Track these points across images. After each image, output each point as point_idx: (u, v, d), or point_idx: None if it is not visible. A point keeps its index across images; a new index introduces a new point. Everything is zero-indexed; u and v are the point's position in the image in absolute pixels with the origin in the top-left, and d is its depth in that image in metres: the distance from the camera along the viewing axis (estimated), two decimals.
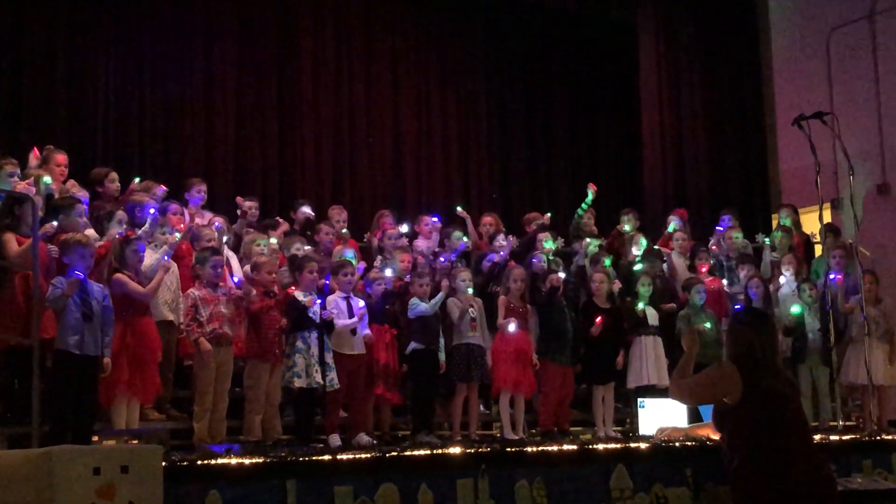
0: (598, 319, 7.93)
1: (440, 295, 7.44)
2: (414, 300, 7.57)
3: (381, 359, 7.45)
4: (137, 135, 10.21)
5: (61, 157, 7.44)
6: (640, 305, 8.19)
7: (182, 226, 7.43)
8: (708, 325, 8.17)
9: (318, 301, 7.03)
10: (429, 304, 7.43)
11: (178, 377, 7.35)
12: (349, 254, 8.01)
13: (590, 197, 9.35)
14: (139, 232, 6.97)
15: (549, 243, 8.84)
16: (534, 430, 8.00)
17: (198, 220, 8.09)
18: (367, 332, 7.27)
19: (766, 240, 9.43)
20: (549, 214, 9.41)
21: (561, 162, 12.73)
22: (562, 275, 8.03)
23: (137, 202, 7.40)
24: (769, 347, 4.89)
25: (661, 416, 7.23)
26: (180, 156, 10.42)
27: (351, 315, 7.27)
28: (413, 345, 7.51)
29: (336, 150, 11.46)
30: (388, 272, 7.67)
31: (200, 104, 10.67)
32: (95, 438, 5.55)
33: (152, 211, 7.12)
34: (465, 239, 8.60)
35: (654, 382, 8.06)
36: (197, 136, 10.61)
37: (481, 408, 8.21)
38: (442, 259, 8.23)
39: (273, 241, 7.85)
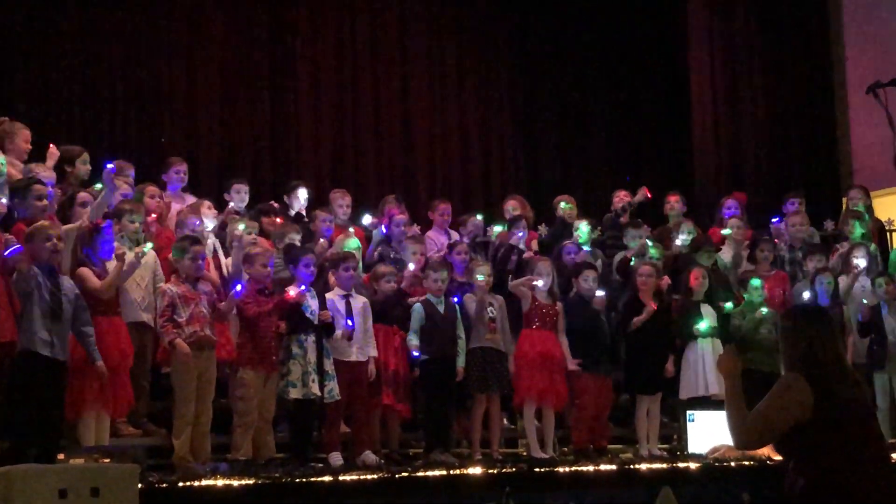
0: (653, 306, 7.91)
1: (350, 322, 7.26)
2: (418, 308, 7.50)
3: (390, 364, 7.46)
4: (109, 109, 10.27)
5: (24, 133, 7.43)
6: (703, 326, 8.15)
7: (152, 217, 7.44)
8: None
9: (304, 289, 7.01)
10: (415, 341, 7.44)
11: (154, 387, 7.32)
12: (352, 244, 8.00)
13: (638, 197, 9.39)
14: (97, 201, 6.87)
15: (583, 233, 8.81)
16: (566, 448, 8.01)
17: (175, 206, 8.09)
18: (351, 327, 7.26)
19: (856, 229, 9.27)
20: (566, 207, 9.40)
21: (597, 140, 12.66)
22: (601, 293, 8.02)
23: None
24: (831, 347, 4.64)
25: (713, 431, 7.21)
26: (157, 134, 10.46)
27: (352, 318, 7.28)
28: (422, 354, 7.53)
29: (337, 125, 11.46)
30: (411, 266, 7.73)
31: (181, 72, 10.71)
32: (61, 457, 5.55)
33: (109, 166, 6.96)
34: (520, 233, 8.50)
35: (713, 392, 8.04)
36: (176, 109, 10.64)
37: (504, 422, 8.21)
38: (458, 265, 8.09)
39: (241, 227, 7.72)
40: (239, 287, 6.86)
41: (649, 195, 9.45)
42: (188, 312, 6.68)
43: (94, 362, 6.15)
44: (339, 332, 7.19)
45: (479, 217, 8.99)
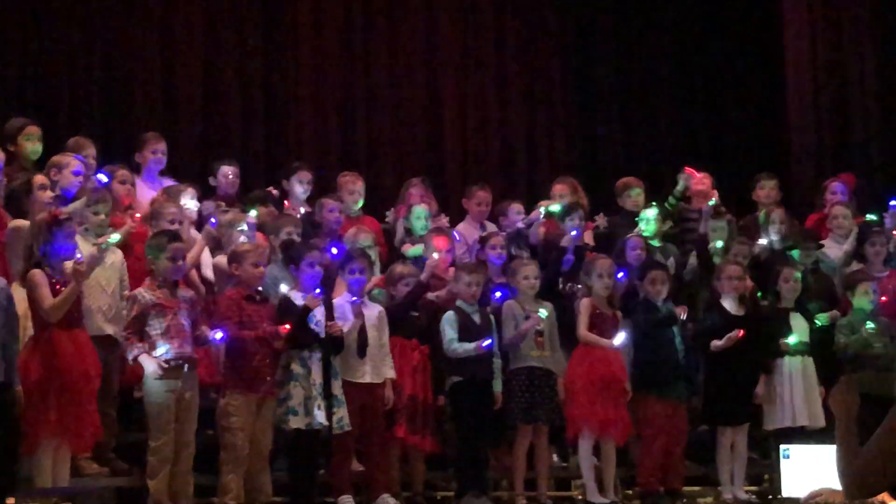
0: (739, 333, 7.90)
1: (488, 341, 7.43)
2: (449, 319, 7.54)
3: (407, 388, 7.48)
4: (66, 72, 10.29)
5: None
6: (792, 341, 8.16)
7: (136, 216, 7.51)
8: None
9: (319, 292, 7.06)
10: (470, 345, 7.47)
11: (124, 415, 7.40)
12: (365, 240, 8.04)
13: (681, 185, 9.42)
14: (68, 208, 6.98)
15: (650, 224, 8.82)
16: (630, 491, 8.02)
17: (151, 193, 8.12)
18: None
19: None
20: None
21: (667, 113, 12.58)
22: (683, 313, 8.06)
23: (57, 163, 7.42)
24: None
25: (813, 470, 7.15)
26: (128, 106, 10.51)
27: (362, 346, 7.35)
28: (453, 378, 7.57)
29: (346, 93, 11.46)
30: (435, 255, 7.75)
31: (154, 26, 10.75)
32: (11, 501, 5.57)
33: (81, 178, 7.14)
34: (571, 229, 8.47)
35: (801, 423, 8.07)
36: (148, 71, 10.67)
37: (554, 458, 8.24)
38: (494, 260, 8.16)
39: (253, 213, 7.87)
40: (220, 335, 6.88)
41: (695, 174, 9.45)
42: (163, 325, 6.70)
43: (11, 386, 6.13)
44: (348, 324, 7.21)
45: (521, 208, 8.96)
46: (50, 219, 6.47)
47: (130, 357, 6.66)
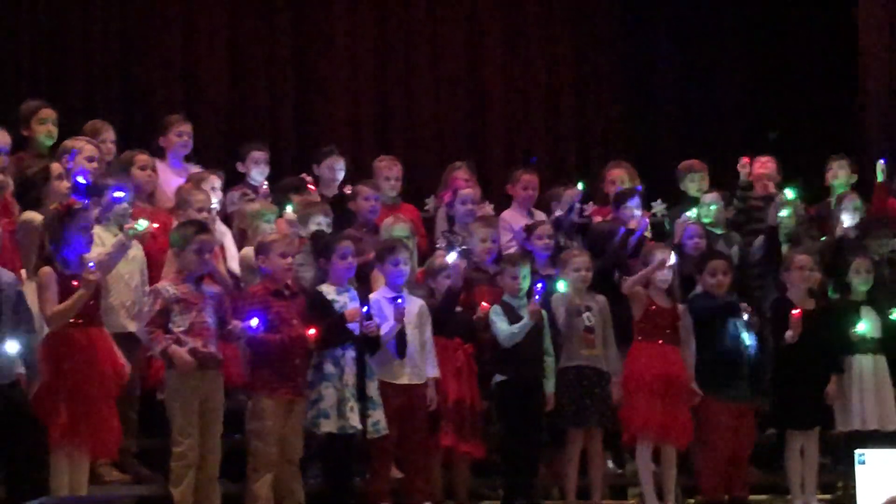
0: (796, 313, 7.88)
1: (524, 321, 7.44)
2: (496, 311, 7.57)
3: (451, 392, 7.48)
4: (81, 50, 10.32)
5: None
6: (862, 329, 8.12)
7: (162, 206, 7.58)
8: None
9: (365, 308, 7.08)
10: (518, 325, 7.47)
11: (146, 418, 7.39)
12: (402, 230, 8.03)
13: (742, 179, 9.38)
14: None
15: (711, 210, 8.82)
16: (692, 500, 8.03)
17: (176, 180, 8.14)
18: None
19: None
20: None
21: (730, 90, 12.55)
22: (748, 317, 8.01)
23: (69, 149, 7.44)
24: None
25: (891, 477, 7.18)
26: (148, 87, 10.51)
27: (401, 344, 7.34)
28: (498, 376, 7.58)
29: (382, 70, 11.46)
30: (452, 257, 7.66)
31: (176, 10, 10.80)
32: None
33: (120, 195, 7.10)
34: (636, 213, 8.50)
35: (872, 426, 8.06)
36: (170, 50, 10.69)
37: (609, 464, 8.25)
38: (540, 253, 8.17)
39: (290, 209, 7.92)
40: (255, 321, 6.86)
41: (746, 160, 9.44)
42: (187, 321, 6.71)
43: (31, 380, 6.17)
44: (386, 327, 7.23)
45: (581, 187, 8.99)
46: (63, 210, 6.48)
47: (158, 350, 6.68)
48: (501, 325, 7.53)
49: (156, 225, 7.18)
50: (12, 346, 6.10)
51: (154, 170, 7.90)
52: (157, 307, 6.72)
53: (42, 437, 6.19)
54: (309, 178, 8.71)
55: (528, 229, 8.39)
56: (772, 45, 12.54)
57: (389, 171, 8.85)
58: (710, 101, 12.44)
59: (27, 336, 6.17)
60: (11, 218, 6.89)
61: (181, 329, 6.70)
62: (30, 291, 6.40)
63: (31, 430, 6.14)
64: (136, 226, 6.78)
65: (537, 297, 7.58)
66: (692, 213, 8.73)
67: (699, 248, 8.36)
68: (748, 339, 7.98)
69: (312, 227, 7.79)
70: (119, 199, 7.08)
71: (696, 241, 8.42)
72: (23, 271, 6.65)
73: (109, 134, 8.12)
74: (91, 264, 6.37)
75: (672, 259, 7.80)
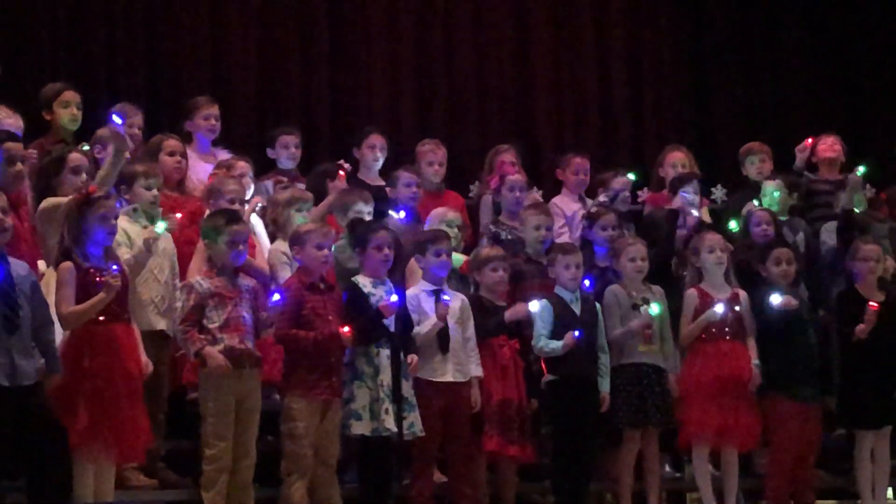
0: (874, 305, 7.84)
1: (576, 333, 7.38)
2: (542, 309, 7.50)
3: (496, 392, 7.45)
4: (105, 29, 10.29)
5: None
6: None
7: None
8: None
9: (396, 300, 7.03)
10: (557, 343, 7.44)
11: (175, 420, 7.39)
12: (455, 220, 8.00)
13: (799, 162, 9.35)
14: (102, 171, 6.87)
15: (773, 197, 8.72)
16: None
17: (204, 166, 8.15)
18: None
19: None
20: None
21: (794, 72, 12.36)
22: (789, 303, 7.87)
23: (101, 139, 7.42)
24: None
25: None
26: (175, 69, 10.49)
27: (444, 340, 7.29)
28: (548, 375, 7.56)
29: (422, 50, 11.41)
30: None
31: None
32: None
33: (117, 120, 7.03)
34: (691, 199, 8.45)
35: None
36: (197, 29, 10.65)
37: (666, 468, 8.23)
38: (603, 246, 8.11)
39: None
40: (277, 296, 6.84)
41: (808, 142, 9.41)
42: (222, 317, 6.68)
43: (51, 372, 6.12)
44: (425, 329, 7.20)
45: (632, 176, 8.98)
46: (81, 199, 6.40)
47: (192, 351, 6.65)
48: (540, 331, 7.51)
49: (178, 215, 7.21)
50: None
51: (184, 156, 7.89)
52: (190, 303, 6.69)
53: (65, 441, 6.11)
54: (346, 165, 8.65)
55: (591, 217, 8.31)
56: (838, 22, 12.46)
57: (433, 156, 8.88)
58: (772, 83, 12.33)
59: (46, 329, 6.14)
60: (26, 207, 6.88)
61: (216, 325, 6.67)
62: (51, 283, 6.36)
63: (54, 435, 6.05)
64: (156, 230, 6.80)
65: (589, 289, 7.61)
66: (755, 202, 8.71)
67: (767, 236, 8.29)
68: (812, 336, 7.96)
69: (352, 216, 7.73)
70: (117, 124, 7.02)
71: (763, 227, 8.35)
72: (41, 263, 6.64)
73: (137, 118, 8.16)
74: (115, 267, 6.32)
75: (721, 308, 7.73)
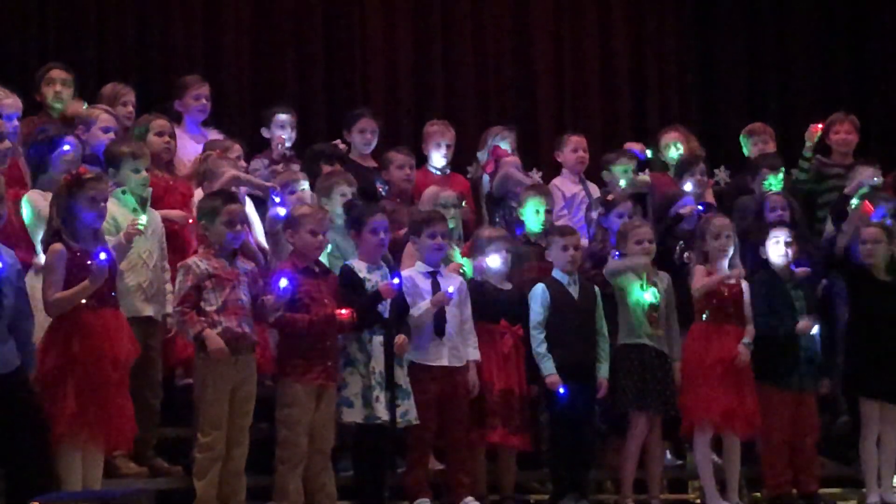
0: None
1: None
2: (538, 293, 7.57)
3: (498, 382, 7.48)
4: (95, 10, 10.25)
5: None
6: None
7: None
8: None
9: (397, 283, 7.09)
10: (423, 303, 7.37)
11: (167, 407, 7.36)
12: (448, 199, 7.99)
13: (808, 145, 9.35)
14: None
15: (774, 178, 8.77)
16: (758, 494, 8.04)
17: (194, 147, 8.19)
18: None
19: None
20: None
21: (800, 52, 12.35)
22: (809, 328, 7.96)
23: (85, 119, 7.44)
24: None
25: None
26: (166, 45, 10.40)
27: (440, 324, 7.34)
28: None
29: (421, 26, 11.38)
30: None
31: None
32: None
33: (113, 134, 7.20)
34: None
35: None
36: (193, 9, 10.63)
37: (668, 456, 8.25)
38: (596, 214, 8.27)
39: (305, 185, 7.84)
40: (285, 282, 6.82)
41: (818, 127, 9.41)
42: (220, 299, 6.72)
43: (28, 370, 6.15)
44: (423, 305, 7.25)
45: (650, 153, 9.05)
46: (71, 180, 6.40)
47: (192, 334, 6.67)
48: (537, 315, 7.56)
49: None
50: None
51: (173, 136, 7.85)
52: (188, 283, 6.70)
53: (45, 430, 6.16)
54: (343, 146, 8.73)
55: (608, 205, 8.31)
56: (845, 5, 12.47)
57: (442, 137, 8.92)
58: (778, 61, 12.35)
59: (25, 321, 6.18)
60: (21, 189, 6.93)
61: (213, 308, 6.68)
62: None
63: (33, 423, 6.11)
64: (138, 223, 6.73)
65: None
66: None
67: (783, 221, 8.30)
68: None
69: (337, 199, 7.71)
70: (65, 152, 6.91)
71: (778, 213, 8.40)
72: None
73: (130, 97, 8.15)
74: (103, 256, 6.30)
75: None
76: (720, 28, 12.23)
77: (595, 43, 11.88)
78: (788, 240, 8.01)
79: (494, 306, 7.60)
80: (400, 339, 7.10)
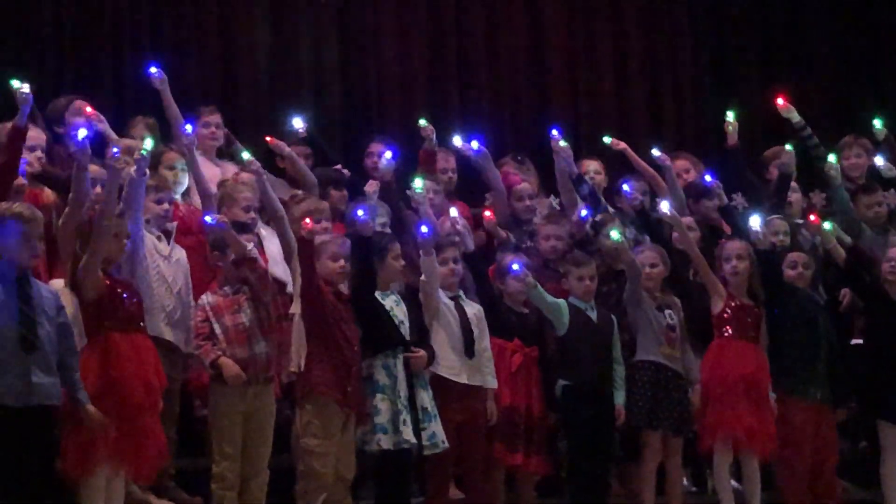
0: None
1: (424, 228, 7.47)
2: (562, 307, 7.72)
3: (504, 397, 7.59)
4: (111, 42, 10.30)
5: None
6: None
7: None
8: None
9: (424, 230, 7.30)
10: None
11: (186, 436, 7.54)
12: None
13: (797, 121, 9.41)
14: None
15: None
16: None
17: (209, 169, 8.29)
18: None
19: None
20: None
21: (822, 67, 12.28)
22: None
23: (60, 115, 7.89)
24: None
25: None
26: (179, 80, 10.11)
27: (468, 342, 7.47)
28: (562, 381, 7.74)
29: (434, 44, 11.35)
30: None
31: None
32: None
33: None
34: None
35: None
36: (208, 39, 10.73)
37: (685, 482, 8.37)
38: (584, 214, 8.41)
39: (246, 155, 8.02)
40: (209, 218, 7.06)
41: (780, 103, 9.51)
42: (223, 325, 6.97)
43: (80, 405, 6.28)
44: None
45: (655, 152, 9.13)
46: (94, 215, 6.63)
47: (207, 362, 6.89)
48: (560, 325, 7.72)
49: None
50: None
51: (184, 170, 7.97)
52: (198, 318, 7.02)
53: (57, 477, 6.37)
54: (345, 172, 8.85)
55: (596, 227, 8.43)
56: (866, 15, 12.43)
57: (445, 163, 8.95)
58: (793, 36, 12.30)
59: (69, 356, 6.35)
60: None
61: (220, 337, 6.94)
62: (66, 303, 6.54)
63: (48, 467, 6.31)
64: (143, 148, 6.94)
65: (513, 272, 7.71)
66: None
67: (783, 245, 8.47)
68: (825, 331, 8.10)
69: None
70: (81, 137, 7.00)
71: (781, 238, 8.50)
72: (58, 281, 6.83)
73: (139, 129, 8.26)
74: (115, 150, 6.70)
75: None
76: (734, 18, 12.25)
77: (609, 49, 11.84)
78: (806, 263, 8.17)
79: (509, 324, 7.75)
80: (418, 352, 7.24)
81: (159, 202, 7.37)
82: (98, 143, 7.54)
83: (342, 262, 7.18)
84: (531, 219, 8.70)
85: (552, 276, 8.08)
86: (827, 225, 8.43)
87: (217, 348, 6.88)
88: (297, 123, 8.85)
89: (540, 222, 8.52)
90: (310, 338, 7.07)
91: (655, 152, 9.13)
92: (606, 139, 9.42)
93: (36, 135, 7.56)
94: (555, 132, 8.82)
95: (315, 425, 6.98)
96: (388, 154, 8.39)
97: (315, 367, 7.03)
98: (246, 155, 7.95)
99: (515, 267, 7.58)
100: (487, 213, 8.25)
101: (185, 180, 7.99)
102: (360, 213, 7.18)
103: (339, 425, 7.01)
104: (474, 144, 8.88)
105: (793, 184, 9.09)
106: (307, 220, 7.10)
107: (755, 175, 9.48)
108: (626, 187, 8.74)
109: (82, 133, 6.84)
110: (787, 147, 9.05)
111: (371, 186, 8.22)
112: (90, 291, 6.47)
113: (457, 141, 8.98)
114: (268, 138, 8.35)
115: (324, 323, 7.03)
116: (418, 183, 7.75)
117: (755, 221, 8.01)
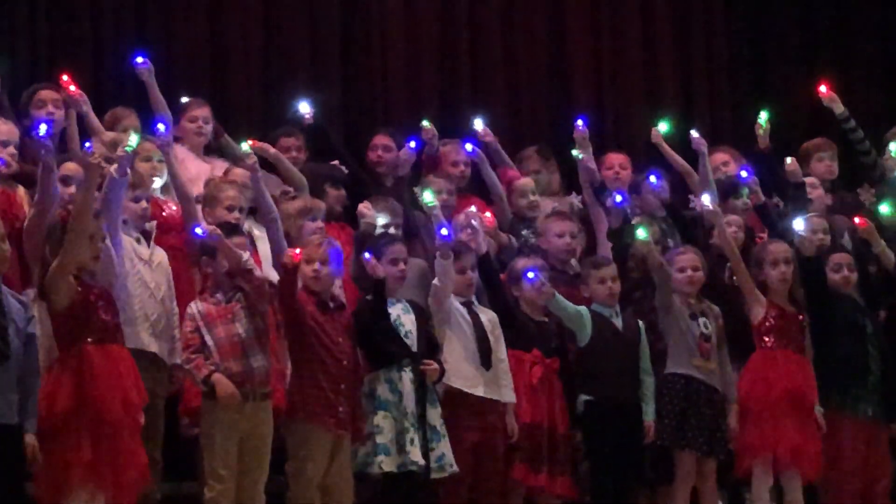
0: None
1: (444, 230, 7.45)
2: (583, 315, 7.67)
3: (524, 414, 7.54)
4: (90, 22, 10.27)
5: None
6: None
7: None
8: None
9: (444, 232, 7.32)
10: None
11: (172, 458, 7.44)
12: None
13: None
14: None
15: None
16: None
17: (194, 163, 8.25)
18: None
19: None
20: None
21: (868, 65, 12.27)
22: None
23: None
24: None
25: None
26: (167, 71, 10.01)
27: (484, 350, 7.41)
28: (583, 395, 7.67)
29: (444, 40, 11.30)
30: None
31: None
32: None
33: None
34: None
35: None
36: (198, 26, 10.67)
37: None
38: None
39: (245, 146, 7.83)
40: (199, 230, 6.96)
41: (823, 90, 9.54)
42: (214, 336, 6.84)
43: (24, 432, 6.21)
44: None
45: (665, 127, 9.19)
46: (66, 216, 6.51)
47: (200, 378, 6.77)
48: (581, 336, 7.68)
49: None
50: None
51: (161, 162, 7.81)
52: (188, 328, 6.87)
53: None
54: (346, 170, 8.80)
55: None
56: None
57: (457, 155, 8.96)
58: (840, 68, 11.98)
59: (31, 378, 6.30)
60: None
61: (212, 349, 6.80)
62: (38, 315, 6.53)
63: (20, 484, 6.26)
64: (129, 144, 6.83)
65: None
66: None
67: (823, 246, 8.36)
68: (876, 346, 8.06)
69: (365, 222, 7.83)
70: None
71: (821, 237, 8.41)
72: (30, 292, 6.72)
73: (131, 121, 8.20)
74: (87, 145, 6.65)
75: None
76: (774, 43, 12.25)
77: (638, 49, 11.83)
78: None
79: (526, 334, 7.70)
80: (431, 364, 7.16)
81: (136, 200, 7.22)
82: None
83: (317, 265, 7.10)
84: (536, 217, 8.64)
85: (562, 279, 8.07)
86: (886, 208, 8.51)
87: (210, 362, 6.78)
88: (304, 108, 8.90)
89: (545, 220, 8.48)
90: (292, 359, 7.10)
91: (694, 133, 9.12)
92: (663, 126, 9.29)
93: (8, 129, 7.44)
94: (579, 122, 8.90)
95: (302, 448, 6.95)
96: (412, 144, 8.54)
97: (296, 390, 7.02)
98: (246, 146, 7.79)
99: (531, 275, 7.59)
100: (488, 215, 8.16)
101: (164, 173, 7.84)
102: (366, 255, 7.14)
103: (329, 443, 6.94)
104: (468, 147, 8.96)
105: (813, 180, 9.06)
106: (296, 250, 7.02)
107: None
108: (653, 178, 8.77)
109: (43, 129, 6.73)
110: (788, 160, 8.96)
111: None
112: (62, 300, 6.36)
113: (478, 124, 9.17)
114: (250, 142, 8.12)
115: (304, 344, 6.99)
116: (428, 196, 7.69)
117: (799, 224, 7.99)
